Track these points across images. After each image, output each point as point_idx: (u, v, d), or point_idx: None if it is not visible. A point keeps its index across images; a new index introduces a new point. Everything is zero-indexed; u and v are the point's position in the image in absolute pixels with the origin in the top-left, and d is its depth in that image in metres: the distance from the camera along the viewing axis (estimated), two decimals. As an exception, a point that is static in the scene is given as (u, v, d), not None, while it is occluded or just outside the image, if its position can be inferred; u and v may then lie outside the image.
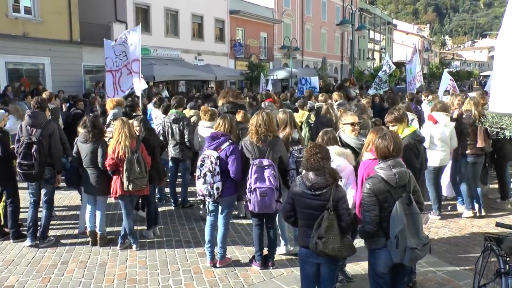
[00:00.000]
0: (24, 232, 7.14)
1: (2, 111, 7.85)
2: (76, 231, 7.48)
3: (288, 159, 5.92)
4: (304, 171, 4.24)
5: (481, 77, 70.17)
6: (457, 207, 8.58)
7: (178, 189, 8.95)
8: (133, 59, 10.73)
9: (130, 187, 6.36)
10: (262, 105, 9.85)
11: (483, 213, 8.21)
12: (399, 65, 36.50)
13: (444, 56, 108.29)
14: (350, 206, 4.39)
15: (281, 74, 32.59)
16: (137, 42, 10.65)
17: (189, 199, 8.94)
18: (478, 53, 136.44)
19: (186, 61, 28.70)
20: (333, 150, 4.87)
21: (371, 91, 18.27)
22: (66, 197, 9.51)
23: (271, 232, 5.99)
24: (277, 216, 6.10)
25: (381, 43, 69.81)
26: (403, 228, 3.86)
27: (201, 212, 8.10)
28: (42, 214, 7.00)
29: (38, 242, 6.94)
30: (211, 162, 5.60)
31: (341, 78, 46.41)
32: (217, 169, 5.61)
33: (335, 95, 10.80)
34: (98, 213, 6.87)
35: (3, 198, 7.32)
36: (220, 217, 5.98)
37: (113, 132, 6.56)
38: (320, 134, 5.37)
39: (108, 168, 6.46)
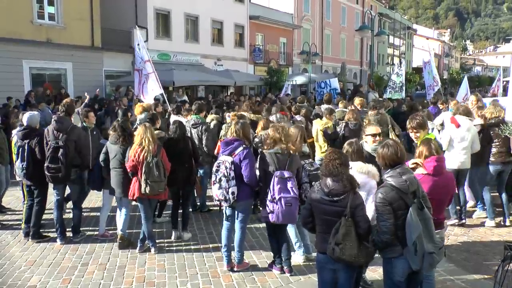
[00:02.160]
0: (45, 234, 7.44)
1: (36, 112, 8.06)
2: (96, 233, 7.59)
3: (301, 173, 5.95)
4: (322, 177, 4.27)
5: (504, 82, 69.07)
6: (475, 213, 8.47)
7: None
8: (145, 61, 11.01)
9: (147, 190, 6.46)
10: (273, 118, 9.65)
11: (507, 223, 8.04)
12: (419, 70, 36.22)
13: (465, 62, 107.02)
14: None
15: (300, 80, 32.48)
16: (142, 43, 10.98)
17: (207, 203, 8.99)
18: (500, 58, 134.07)
19: (206, 66, 28.87)
20: (356, 167, 4.87)
21: (386, 95, 18.11)
22: (85, 199, 9.55)
23: (283, 241, 6.02)
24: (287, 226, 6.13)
25: (401, 48, 69.30)
26: (420, 233, 3.86)
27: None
28: (72, 214, 7.44)
29: (71, 237, 7.32)
30: (226, 167, 5.68)
31: (361, 83, 46.22)
32: (232, 174, 5.68)
33: (357, 100, 10.76)
34: (122, 214, 7.03)
35: (26, 200, 7.52)
36: (237, 222, 6.04)
37: (136, 136, 6.70)
38: (345, 145, 5.30)
39: (128, 170, 6.61)
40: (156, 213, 8.22)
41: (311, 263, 6.27)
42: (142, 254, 6.77)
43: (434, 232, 4.08)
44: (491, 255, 6.71)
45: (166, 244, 7.18)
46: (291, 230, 6.31)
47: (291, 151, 5.76)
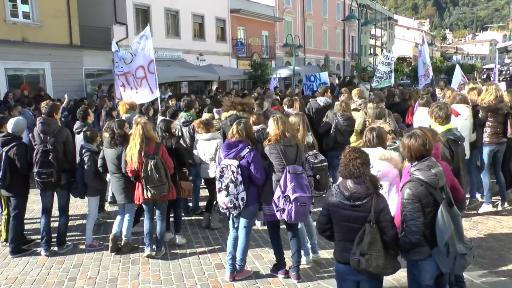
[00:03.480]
0: (24, 247, 6.90)
1: (22, 118, 7.45)
2: (82, 246, 7.03)
3: (305, 165, 5.53)
4: (340, 179, 3.80)
5: (484, 70, 69.50)
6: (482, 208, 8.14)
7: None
8: (149, 61, 10.38)
9: (149, 195, 6.09)
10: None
11: (506, 206, 7.97)
12: (401, 60, 36.08)
13: (445, 50, 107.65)
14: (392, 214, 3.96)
15: (284, 73, 32.09)
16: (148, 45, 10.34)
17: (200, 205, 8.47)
18: (479, 46, 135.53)
19: (188, 62, 28.24)
20: (376, 152, 4.40)
21: (373, 85, 17.78)
22: (70, 207, 8.87)
23: (295, 241, 5.57)
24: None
25: (382, 38, 69.21)
26: (452, 233, 3.48)
27: (211, 224, 7.65)
28: (59, 222, 6.88)
29: (56, 249, 6.79)
30: (233, 172, 5.18)
31: (343, 75, 45.94)
32: (240, 178, 5.20)
33: (355, 91, 10.35)
34: (126, 220, 6.61)
35: (5, 212, 6.96)
36: (242, 229, 5.55)
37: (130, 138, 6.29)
38: (366, 131, 4.91)
39: (130, 174, 6.20)
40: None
41: (319, 268, 5.84)
42: (135, 264, 6.25)
43: (463, 231, 3.71)
44: (505, 250, 6.34)
45: (160, 253, 6.63)
46: (301, 231, 5.84)
47: (297, 143, 5.34)
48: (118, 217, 6.74)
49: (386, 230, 3.63)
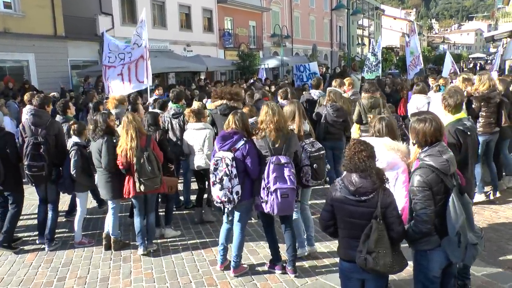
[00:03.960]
0: (14, 244, 6.68)
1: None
2: (71, 243, 6.79)
3: (301, 154, 5.36)
4: (345, 173, 3.61)
5: (470, 59, 69.94)
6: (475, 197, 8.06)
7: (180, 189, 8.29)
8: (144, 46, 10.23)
9: (142, 188, 5.93)
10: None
11: (497, 195, 7.93)
12: (389, 50, 36.06)
13: (432, 40, 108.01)
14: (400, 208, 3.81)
15: (272, 63, 31.82)
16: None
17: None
18: (465, 36, 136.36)
19: (175, 53, 27.84)
20: (383, 143, 4.20)
21: (364, 75, 17.71)
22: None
23: (289, 233, 5.41)
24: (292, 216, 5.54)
25: (370, 28, 69.14)
26: (463, 222, 3.34)
27: (204, 216, 7.44)
28: (50, 217, 6.65)
29: (45, 244, 6.63)
30: (227, 165, 4.96)
31: (331, 65, 45.81)
32: (234, 171, 4.98)
33: (346, 80, 10.18)
34: (110, 216, 6.36)
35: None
36: (237, 224, 5.37)
37: (121, 131, 6.08)
38: (375, 120, 4.66)
39: (121, 167, 6.01)
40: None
41: (316, 263, 5.70)
42: (126, 262, 6.04)
43: (473, 220, 3.58)
44: (504, 241, 6.25)
45: (152, 248, 6.39)
46: (295, 220, 5.67)
47: (288, 132, 5.14)
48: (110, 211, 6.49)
49: (393, 226, 3.46)
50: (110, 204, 6.39)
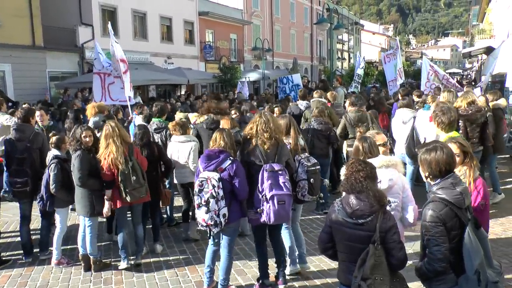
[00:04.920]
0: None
1: None
2: (48, 264, 6.39)
3: (294, 164, 5.25)
4: (344, 194, 3.45)
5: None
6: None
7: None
8: (120, 59, 9.74)
9: (128, 199, 5.73)
10: (246, 118, 9.02)
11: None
12: (369, 64, 36.34)
13: (410, 55, 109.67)
14: (412, 220, 3.73)
15: (253, 76, 31.73)
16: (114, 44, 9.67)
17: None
18: (441, 51, 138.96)
19: (156, 65, 27.56)
20: (380, 161, 4.07)
21: (352, 89, 17.76)
22: (34, 218, 7.77)
23: (278, 248, 5.31)
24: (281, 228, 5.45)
25: (349, 43, 69.88)
26: (482, 259, 3.12)
27: (189, 232, 7.21)
28: (41, 225, 6.63)
29: (38, 253, 6.49)
30: (213, 186, 4.73)
31: (312, 79, 46.00)
32: (221, 193, 4.76)
33: (328, 95, 10.10)
34: (88, 235, 6.01)
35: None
36: (224, 247, 5.14)
37: (101, 141, 5.84)
38: (357, 142, 4.57)
39: (105, 179, 5.79)
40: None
41: (306, 282, 5.51)
42: (107, 284, 5.73)
43: (491, 255, 3.38)
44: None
45: (134, 266, 6.14)
46: (286, 237, 5.51)
47: (279, 141, 5.02)
48: (80, 228, 6.17)
49: (393, 252, 3.28)
50: (86, 222, 6.03)
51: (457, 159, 3.78)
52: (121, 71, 9.32)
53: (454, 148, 3.87)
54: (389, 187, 4.11)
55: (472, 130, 7.60)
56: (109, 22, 10.21)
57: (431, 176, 3.39)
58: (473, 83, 24.33)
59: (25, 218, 6.55)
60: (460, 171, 3.77)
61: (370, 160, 4.01)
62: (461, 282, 3.21)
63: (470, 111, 7.50)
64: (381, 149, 4.84)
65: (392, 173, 4.07)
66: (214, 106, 8.19)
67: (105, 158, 5.72)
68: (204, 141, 7.57)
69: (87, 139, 5.93)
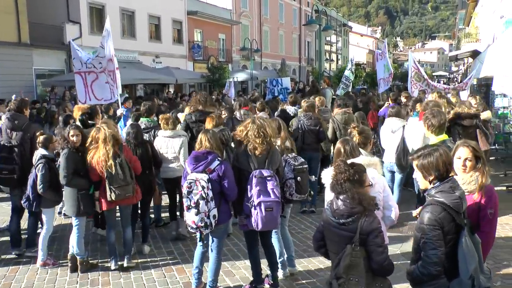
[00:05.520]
0: None
1: None
2: (34, 264, 6.30)
3: (283, 170, 5.23)
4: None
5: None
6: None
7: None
8: (108, 59, 9.61)
9: (113, 197, 5.67)
10: (237, 114, 9.07)
11: None
12: (358, 66, 36.57)
13: (397, 57, 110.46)
14: (394, 217, 3.74)
15: (241, 76, 31.74)
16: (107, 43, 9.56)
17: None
18: (428, 54, 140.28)
19: (144, 64, 27.43)
20: (361, 161, 4.09)
21: (339, 91, 17.80)
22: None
23: (269, 252, 5.29)
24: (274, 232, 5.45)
25: (337, 44, 70.22)
26: (477, 264, 3.13)
27: (180, 229, 7.18)
28: (28, 222, 6.65)
29: (25, 250, 6.58)
30: (203, 187, 4.71)
31: (300, 80, 46.13)
32: (210, 194, 4.75)
33: (316, 100, 10.09)
34: (74, 236, 5.97)
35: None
36: (213, 248, 5.11)
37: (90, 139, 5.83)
38: (339, 144, 4.57)
39: (94, 179, 5.80)
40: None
41: (294, 283, 5.51)
42: (94, 286, 5.67)
43: (483, 260, 3.38)
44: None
45: (121, 267, 6.07)
46: (274, 241, 5.50)
47: (271, 146, 4.99)
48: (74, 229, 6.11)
49: (373, 255, 3.28)
50: (73, 222, 6.00)
51: (469, 163, 3.68)
52: (114, 68, 9.30)
53: (467, 152, 3.70)
54: (371, 186, 4.13)
55: (469, 134, 7.41)
56: (107, 20, 10.02)
57: (438, 178, 3.30)
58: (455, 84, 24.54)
59: (16, 210, 6.61)
60: (472, 176, 3.65)
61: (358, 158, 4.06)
62: (453, 286, 3.20)
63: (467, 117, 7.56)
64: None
65: (373, 173, 4.10)
66: (203, 98, 8.23)
67: (95, 160, 5.68)
68: (195, 133, 7.57)
69: (75, 138, 5.86)
